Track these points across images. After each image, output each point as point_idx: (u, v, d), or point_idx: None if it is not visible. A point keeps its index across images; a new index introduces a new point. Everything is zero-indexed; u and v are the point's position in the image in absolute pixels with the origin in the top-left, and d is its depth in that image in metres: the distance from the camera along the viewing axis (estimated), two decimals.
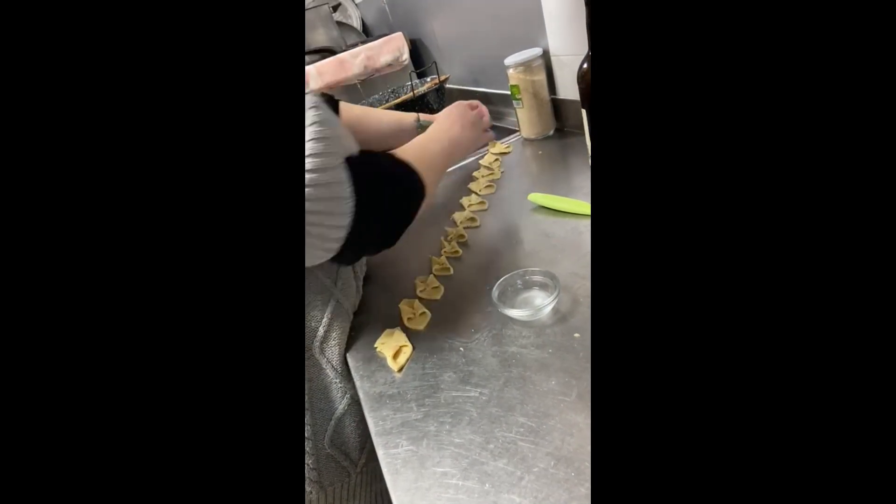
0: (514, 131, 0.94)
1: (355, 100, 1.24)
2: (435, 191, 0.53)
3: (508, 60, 0.81)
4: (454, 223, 0.68)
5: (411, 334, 0.50)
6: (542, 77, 0.82)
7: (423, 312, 0.52)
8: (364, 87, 1.23)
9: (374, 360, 0.49)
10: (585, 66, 0.58)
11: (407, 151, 0.52)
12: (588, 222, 0.58)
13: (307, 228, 0.36)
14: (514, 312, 0.46)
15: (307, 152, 0.37)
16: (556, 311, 0.46)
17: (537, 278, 0.49)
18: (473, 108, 0.73)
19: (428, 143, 0.58)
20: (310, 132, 0.38)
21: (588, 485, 0.31)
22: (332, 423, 0.50)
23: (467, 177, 0.82)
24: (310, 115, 0.39)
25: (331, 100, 0.61)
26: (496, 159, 0.84)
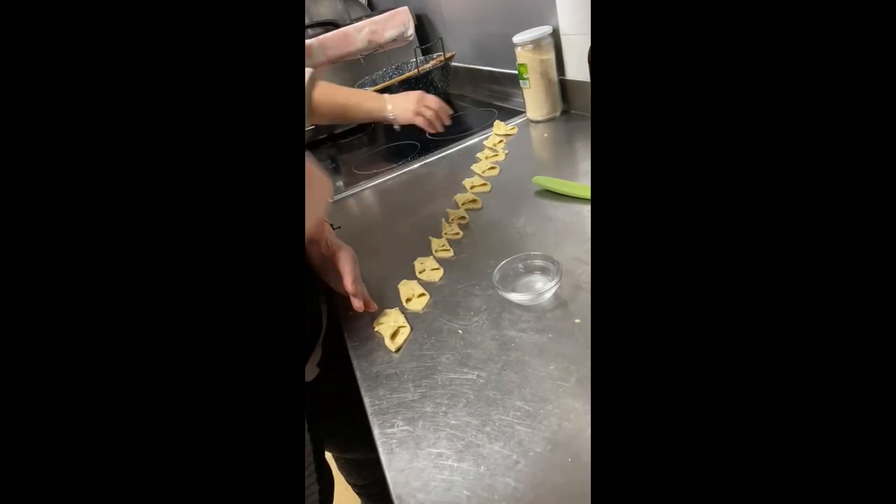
0: (519, 112, 0.92)
1: (358, 76, 1.21)
2: None
3: (517, 38, 0.79)
4: (455, 204, 0.67)
5: (410, 315, 0.50)
6: (550, 56, 0.80)
7: (423, 293, 0.51)
8: (367, 63, 1.20)
9: (372, 339, 0.48)
10: None
11: None
12: None
13: None
14: (514, 296, 0.45)
15: None
16: (557, 295, 0.45)
17: (539, 262, 0.48)
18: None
19: None
20: None
21: (586, 471, 0.30)
22: None
23: (470, 158, 0.81)
24: None
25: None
26: (500, 140, 0.83)
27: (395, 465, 0.35)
